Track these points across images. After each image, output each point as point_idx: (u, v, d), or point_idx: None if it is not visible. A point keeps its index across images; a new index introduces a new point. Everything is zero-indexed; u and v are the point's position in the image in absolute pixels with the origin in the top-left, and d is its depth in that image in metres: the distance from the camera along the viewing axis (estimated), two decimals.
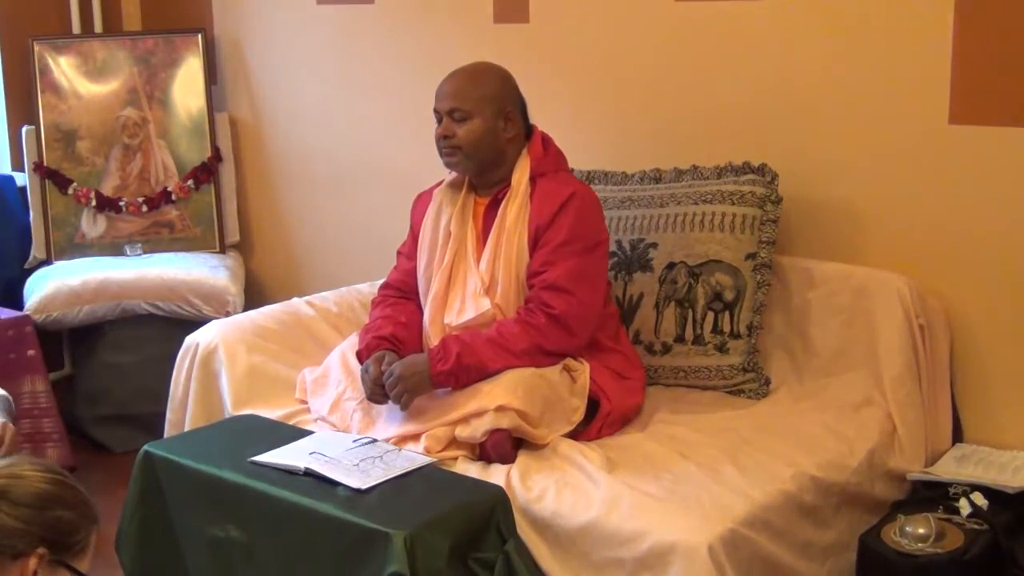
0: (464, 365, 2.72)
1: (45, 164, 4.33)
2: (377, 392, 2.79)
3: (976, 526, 2.60)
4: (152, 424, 3.41)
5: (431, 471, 2.59)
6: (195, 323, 3.57)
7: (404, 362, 2.78)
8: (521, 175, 2.92)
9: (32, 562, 1.76)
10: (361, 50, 4.12)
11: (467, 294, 2.91)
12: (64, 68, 4.37)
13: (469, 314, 2.88)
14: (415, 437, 2.72)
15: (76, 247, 4.35)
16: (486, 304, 2.87)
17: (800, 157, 3.18)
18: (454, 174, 3.02)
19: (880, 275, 3.02)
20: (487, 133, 2.88)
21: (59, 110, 4.36)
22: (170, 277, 4.12)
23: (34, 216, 4.33)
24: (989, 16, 2.88)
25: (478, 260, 2.92)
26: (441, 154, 2.94)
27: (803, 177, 3.16)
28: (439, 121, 2.93)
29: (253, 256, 4.59)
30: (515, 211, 2.88)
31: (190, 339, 3.20)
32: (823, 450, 2.71)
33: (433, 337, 2.91)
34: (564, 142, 3.04)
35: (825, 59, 3.14)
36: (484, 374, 2.72)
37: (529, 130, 2.98)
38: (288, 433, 2.81)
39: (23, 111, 4.39)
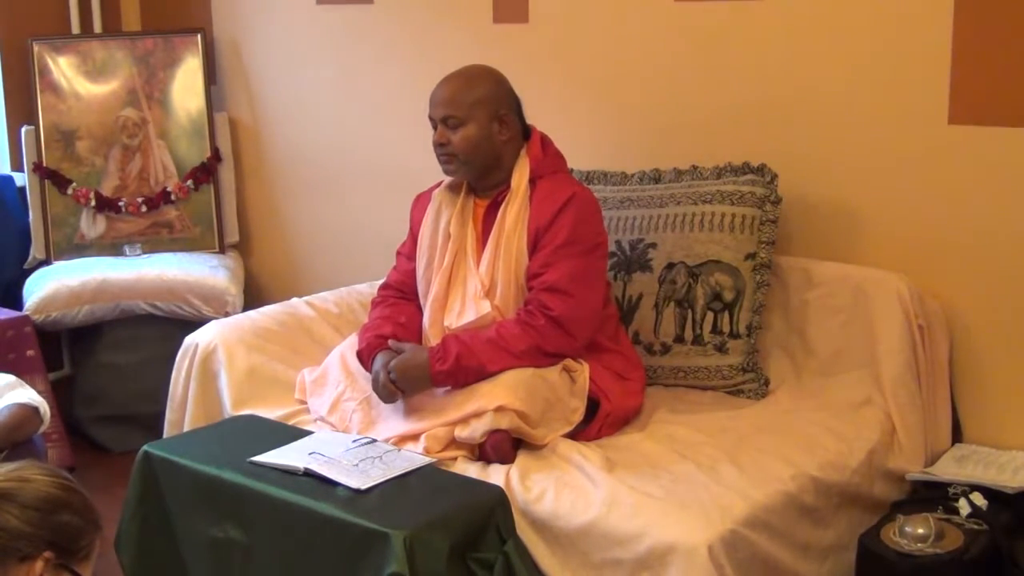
0: (463, 366, 2.72)
1: (44, 164, 4.32)
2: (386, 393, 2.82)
3: (976, 526, 2.60)
4: (152, 424, 3.41)
5: (431, 471, 2.59)
6: (195, 323, 3.57)
7: (405, 357, 2.79)
8: (520, 177, 2.91)
9: (38, 566, 1.76)
10: (361, 50, 4.12)
11: (467, 296, 2.91)
12: (63, 68, 4.36)
13: (469, 316, 2.87)
14: (415, 437, 2.72)
15: (75, 247, 4.35)
16: (486, 307, 2.86)
17: (800, 157, 3.18)
18: None
19: (879, 275, 3.02)
20: (482, 139, 2.87)
21: (58, 110, 4.36)
22: (169, 277, 4.12)
23: (33, 216, 4.33)
24: (989, 16, 2.88)
25: (478, 262, 2.92)
26: (439, 161, 2.94)
27: (803, 177, 3.16)
28: (435, 128, 2.92)
29: (252, 256, 4.59)
30: (514, 213, 2.88)
31: (189, 339, 3.20)
32: (823, 450, 2.71)
33: (433, 339, 2.91)
34: (564, 142, 3.04)
35: (825, 59, 3.13)
36: (483, 375, 2.72)
37: (526, 130, 2.98)
38: (288, 433, 2.81)
39: (23, 111, 4.38)
